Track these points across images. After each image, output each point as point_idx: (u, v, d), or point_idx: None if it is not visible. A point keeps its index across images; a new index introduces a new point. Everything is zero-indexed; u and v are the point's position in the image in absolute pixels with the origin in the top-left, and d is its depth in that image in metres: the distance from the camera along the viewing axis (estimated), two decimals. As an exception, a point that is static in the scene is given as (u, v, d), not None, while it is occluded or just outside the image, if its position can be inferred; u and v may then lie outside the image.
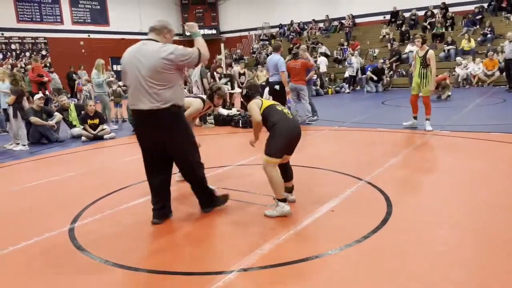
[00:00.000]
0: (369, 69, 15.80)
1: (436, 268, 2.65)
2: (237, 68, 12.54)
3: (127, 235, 3.47)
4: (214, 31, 26.66)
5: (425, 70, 7.11)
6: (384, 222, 3.38)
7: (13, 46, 19.24)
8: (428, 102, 7.22)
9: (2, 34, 18.78)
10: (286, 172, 3.92)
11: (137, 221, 3.78)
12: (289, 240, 3.17)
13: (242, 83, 12.21)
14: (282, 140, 3.59)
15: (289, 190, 3.98)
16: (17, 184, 5.28)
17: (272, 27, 24.59)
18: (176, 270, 2.80)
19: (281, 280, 2.62)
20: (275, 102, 3.91)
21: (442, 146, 6.13)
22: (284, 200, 3.66)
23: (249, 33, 25.34)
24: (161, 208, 3.68)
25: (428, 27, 18.07)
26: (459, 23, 17.67)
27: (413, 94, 7.43)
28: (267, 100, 3.94)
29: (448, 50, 16.01)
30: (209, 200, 3.85)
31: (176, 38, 26.08)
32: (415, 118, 7.50)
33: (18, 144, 7.77)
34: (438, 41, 17.15)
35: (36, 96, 8.67)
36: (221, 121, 9.38)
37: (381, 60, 15.76)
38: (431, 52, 7.13)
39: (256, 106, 3.77)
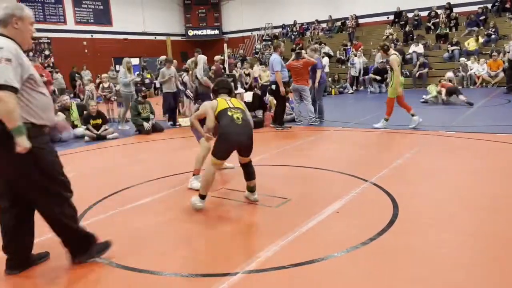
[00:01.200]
0: (371, 70, 15.75)
1: (439, 271, 2.61)
2: (257, 68, 12.65)
3: (130, 236, 3.44)
4: (216, 32, 26.68)
5: (391, 74, 7.48)
6: (390, 224, 3.34)
7: (16, 46, 19.27)
8: (391, 103, 7.50)
9: (6, 34, 18.81)
10: (247, 172, 4.01)
11: (140, 222, 3.75)
12: (294, 241, 3.13)
13: (247, 84, 12.21)
14: (224, 144, 3.82)
15: (251, 189, 4.03)
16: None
17: (275, 27, 24.57)
18: (180, 272, 2.77)
19: (286, 283, 2.59)
20: (231, 105, 3.94)
21: (447, 147, 6.07)
22: (203, 197, 3.84)
23: (251, 33, 25.33)
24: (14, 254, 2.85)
25: (432, 27, 18.01)
26: (462, 23, 17.60)
27: (394, 97, 7.54)
28: (227, 101, 3.99)
29: (452, 50, 15.93)
30: (83, 250, 2.94)
31: (179, 38, 26.24)
32: (413, 115, 7.55)
33: None
34: (442, 42, 17.09)
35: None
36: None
37: (379, 60, 15.65)
38: (393, 57, 7.33)
39: (210, 109, 3.93)
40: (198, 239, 3.34)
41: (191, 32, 26.55)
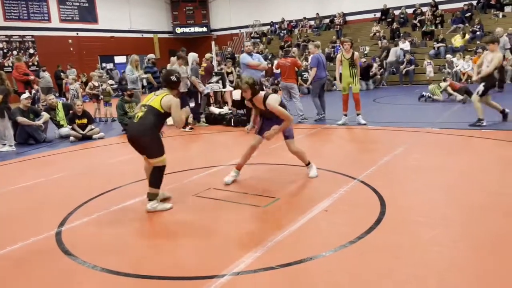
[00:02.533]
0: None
1: (431, 270, 2.61)
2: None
3: (116, 239, 3.38)
4: (204, 29, 26.51)
5: (354, 70, 7.75)
6: (378, 222, 3.34)
7: (0, 45, 18.90)
8: (359, 98, 7.84)
9: (-12, 32, 18.45)
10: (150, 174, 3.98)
11: (126, 224, 3.69)
12: (282, 241, 3.11)
13: (231, 82, 12.14)
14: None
15: (147, 196, 3.93)
16: (2, 186, 5.14)
17: (263, 24, 24.51)
18: (166, 275, 2.73)
19: (275, 284, 2.56)
20: (146, 102, 3.94)
21: (434, 144, 6.11)
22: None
23: (240, 30, 25.22)
24: None
25: (418, 24, 18.15)
26: (448, 20, 17.76)
27: (345, 94, 7.91)
28: (155, 97, 3.94)
29: (438, 47, 16.08)
30: None
31: (166, 36, 26.01)
32: (345, 115, 7.94)
33: (4, 144, 7.60)
34: (428, 39, 17.23)
35: (23, 96, 8.49)
36: (213, 119, 9.30)
37: (363, 59, 15.67)
38: (357, 53, 7.82)
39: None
40: (185, 240, 3.30)
41: (178, 30, 26.33)
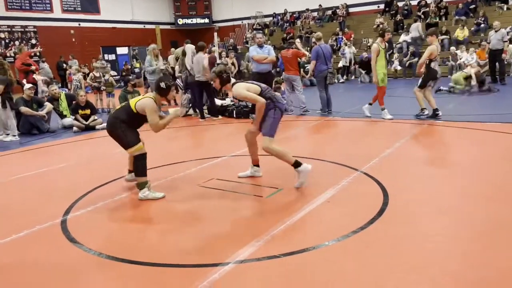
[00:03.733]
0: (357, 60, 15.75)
1: (433, 260, 2.63)
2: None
3: (120, 227, 3.42)
4: (207, 20, 26.40)
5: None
6: (380, 212, 3.36)
7: (1, 35, 18.87)
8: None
9: (-9, 22, 18.41)
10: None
11: (130, 213, 3.73)
12: (285, 231, 3.13)
13: (233, 73, 12.15)
14: None
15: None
16: (7, 176, 5.17)
17: (266, 16, 24.38)
18: (171, 262, 2.76)
19: (278, 272, 2.59)
20: (134, 99, 4.15)
21: (437, 136, 6.12)
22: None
23: (242, 22, 25.11)
24: None
25: (422, 16, 18.01)
26: (452, 12, 17.64)
27: (384, 85, 7.48)
28: (138, 97, 4.17)
29: (442, 40, 15.97)
30: None
31: (168, 27, 25.91)
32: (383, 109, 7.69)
33: (8, 134, 7.63)
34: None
35: (26, 86, 8.50)
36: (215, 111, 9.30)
37: (365, 54, 15.61)
38: (374, 45, 7.41)
39: None
40: (189, 229, 3.32)
41: (180, 21, 26.22)
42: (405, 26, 17.56)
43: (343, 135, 6.84)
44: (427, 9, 17.97)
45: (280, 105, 4.19)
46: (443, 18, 17.53)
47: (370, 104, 7.68)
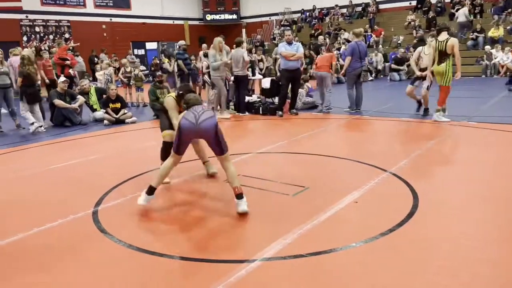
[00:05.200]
0: (392, 57, 15.44)
1: (465, 264, 2.57)
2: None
3: (149, 220, 3.49)
4: (234, 16, 26.43)
5: (453, 59, 6.85)
6: (410, 215, 3.30)
7: (37, 29, 19.49)
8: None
9: (27, 16, 19.03)
10: None
11: (159, 206, 3.79)
12: (312, 230, 3.12)
13: (261, 70, 12.12)
14: None
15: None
16: (41, 166, 5.36)
17: (294, 12, 24.22)
18: (199, 257, 2.80)
19: (304, 271, 2.59)
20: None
21: (470, 137, 5.94)
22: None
23: (270, 18, 25.03)
24: None
25: (456, 14, 17.48)
26: (487, 10, 17.03)
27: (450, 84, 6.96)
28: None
29: (476, 38, 15.47)
30: None
31: (197, 23, 26.11)
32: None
33: (32, 124, 7.79)
34: (465, 29, 16.60)
35: (60, 79, 8.76)
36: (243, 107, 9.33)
37: (402, 50, 15.32)
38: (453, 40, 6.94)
39: None
40: (215, 225, 3.36)
41: (209, 17, 26.37)
42: (437, 24, 17.06)
43: (371, 135, 6.74)
44: (461, 6, 17.41)
45: (183, 120, 3.62)
46: (478, 16, 16.96)
47: (439, 110, 7.07)
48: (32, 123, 7.71)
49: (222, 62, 8.32)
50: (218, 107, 8.80)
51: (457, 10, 17.46)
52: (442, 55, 6.76)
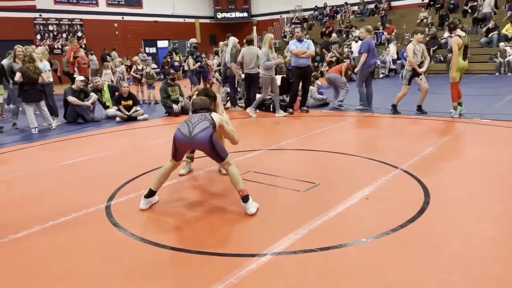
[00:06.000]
0: (404, 55, 15.27)
1: (475, 262, 2.56)
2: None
3: (160, 214, 3.53)
4: (245, 14, 26.46)
5: (451, 56, 7.38)
6: (421, 211, 3.29)
7: (50, 27, 19.75)
8: (452, 88, 7.05)
9: (41, 15, 19.30)
10: None
11: (170, 201, 3.84)
12: (322, 226, 3.13)
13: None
14: None
15: (192, 158, 4.19)
16: (55, 162, 5.45)
17: (305, 10, 24.15)
18: (210, 251, 2.83)
19: (314, 266, 2.60)
20: None
21: (483, 135, 5.88)
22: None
23: (281, 16, 25.00)
24: None
25: (469, 10, 17.26)
26: (502, 7, 16.77)
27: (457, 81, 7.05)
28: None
29: (491, 35, 15.25)
30: None
31: (207, 21, 26.20)
32: (459, 104, 7.28)
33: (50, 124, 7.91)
34: (479, 26, 16.38)
35: (78, 78, 8.87)
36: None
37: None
38: (453, 39, 6.99)
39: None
40: (227, 220, 3.38)
41: (219, 15, 26.44)
42: (450, 21, 16.86)
43: (382, 132, 6.70)
44: (475, 3, 17.18)
45: (177, 132, 3.60)
46: (493, 13, 16.69)
47: (456, 106, 7.12)
48: (34, 128, 7.61)
49: (276, 61, 8.03)
50: (248, 107, 8.76)
51: (470, 7, 17.23)
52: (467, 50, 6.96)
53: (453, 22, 7.34)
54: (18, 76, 7.50)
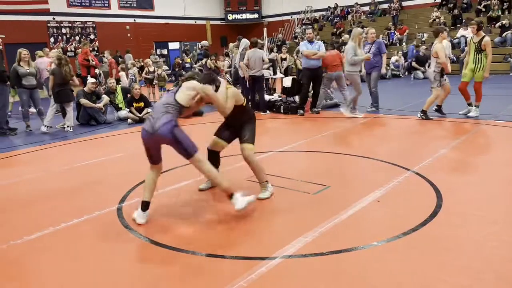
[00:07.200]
0: (412, 56, 15.17)
1: (488, 265, 2.52)
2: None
3: (172, 217, 3.55)
4: (256, 15, 26.46)
5: (480, 56, 6.99)
6: (433, 215, 3.25)
7: (63, 30, 20.02)
8: (480, 88, 7.10)
9: (54, 18, 19.57)
10: (218, 158, 4.07)
11: (181, 204, 3.86)
12: (333, 229, 3.11)
13: (286, 69, 12.12)
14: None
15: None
16: (67, 164, 5.52)
17: (316, 10, 24.07)
18: (221, 253, 2.83)
19: (325, 269, 2.59)
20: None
21: (497, 136, 5.79)
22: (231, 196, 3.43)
23: (291, 17, 24.95)
24: None
25: (483, 10, 17.02)
26: (517, 5, 16.51)
27: (464, 81, 7.19)
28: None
29: (506, 34, 15.01)
30: None
31: (218, 22, 26.29)
32: (469, 105, 7.25)
33: (65, 125, 8.09)
34: (493, 25, 16.13)
35: (90, 80, 8.98)
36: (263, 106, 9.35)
37: (424, 47, 14.99)
38: (487, 38, 7.02)
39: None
40: (236, 223, 3.39)
41: (230, 16, 26.50)
42: (463, 21, 16.66)
43: (394, 134, 6.64)
44: (489, 2, 16.94)
45: (142, 131, 3.56)
46: (506, 12, 16.45)
47: (476, 105, 7.16)
48: (45, 125, 7.94)
49: (364, 57, 7.68)
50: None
51: (484, 6, 16.99)
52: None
53: (481, 22, 7.34)
54: (51, 79, 7.98)
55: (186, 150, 3.34)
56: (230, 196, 3.37)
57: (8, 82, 7.96)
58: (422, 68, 14.41)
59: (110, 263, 2.81)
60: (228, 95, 3.72)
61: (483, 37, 6.98)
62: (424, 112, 7.15)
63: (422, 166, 4.47)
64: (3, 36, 8.28)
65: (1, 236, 3.26)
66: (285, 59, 12.22)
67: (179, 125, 3.36)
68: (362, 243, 2.85)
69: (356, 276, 2.51)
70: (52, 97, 8.23)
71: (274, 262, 2.67)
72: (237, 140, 3.98)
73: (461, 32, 15.67)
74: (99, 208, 3.76)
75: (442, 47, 6.93)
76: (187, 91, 3.50)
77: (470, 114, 7.11)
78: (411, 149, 5.41)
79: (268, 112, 8.92)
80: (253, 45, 8.74)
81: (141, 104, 8.75)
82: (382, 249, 2.79)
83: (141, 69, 13.39)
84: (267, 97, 9.42)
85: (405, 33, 17.92)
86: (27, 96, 8.17)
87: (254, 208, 3.65)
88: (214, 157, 3.97)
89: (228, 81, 11.10)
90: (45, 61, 10.83)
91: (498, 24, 15.60)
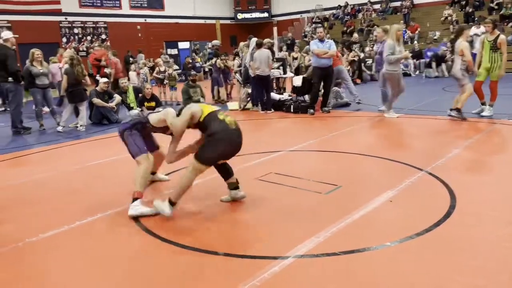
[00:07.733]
0: (428, 54, 15.00)
1: (503, 266, 2.49)
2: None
3: (184, 216, 3.57)
4: (266, 14, 26.44)
5: (495, 54, 6.93)
6: (447, 215, 3.22)
7: (75, 30, 20.23)
8: (496, 87, 7.04)
9: (66, 18, 19.79)
10: (226, 169, 3.80)
11: (192, 203, 3.87)
12: (345, 229, 3.11)
13: (297, 68, 12.10)
14: (226, 147, 3.50)
15: (235, 186, 3.77)
16: (79, 163, 5.58)
17: (325, 9, 23.96)
18: (233, 253, 2.85)
19: (337, 270, 2.59)
20: (215, 109, 3.66)
21: (511, 136, 5.71)
22: (173, 204, 3.47)
23: (301, 16, 24.87)
24: None
25: (496, 7, 16.78)
26: (531, 2, 16.23)
27: (479, 80, 7.06)
28: (208, 105, 3.74)
29: (518, 31, 14.80)
30: None
31: (228, 21, 26.32)
32: (483, 104, 7.18)
33: (77, 125, 8.21)
34: (506, 23, 15.90)
35: (102, 80, 9.06)
36: (272, 106, 9.35)
37: (444, 47, 14.83)
38: (502, 37, 6.95)
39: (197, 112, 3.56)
40: (248, 222, 3.40)
41: (240, 15, 26.52)
42: (476, 19, 16.45)
43: (406, 133, 6.59)
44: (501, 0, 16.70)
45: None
46: (521, 9, 16.20)
47: (490, 105, 7.08)
48: (59, 124, 8.06)
49: (403, 55, 7.21)
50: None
51: (497, 4, 16.76)
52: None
53: (496, 20, 7.29)
54: (64, 79, 8.09)
55: (130, 152, 3.90)
56: (133, 199, 3.57)
57: (22, 82, 8.07)
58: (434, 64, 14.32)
59: (125, 262, 2.84)
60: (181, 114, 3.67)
61: (498, 35, 6.91)
62: (458, 111, 6.79)
63: (435, 166, 4.43)
64: (17, 36, 8.33)
65: (17, 234, 3.32)
66: (296, 58, 12.20)
67: (135, 132, 3.85)
68: (374, 244, 2.84)
69: (368, 276, 2.50)
70: (65, 97, 8.33)
71: (287, 261, 2.67)
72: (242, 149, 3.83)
73: (473, 30, 15.44)
74: (113, 206, 3.80)
75: (467, 45, 6.81)
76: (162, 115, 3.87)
77: (483, 113, 7.03)
78: (424, 148, 5.36)
79: (272, 110, 8.92)
80: (258, 46, 8.82)
81: (153, 104, 8.81)
82: (395, 250, 2.78)
83: (152, 68, 13.47)
84: (277, 96, 9.42)
85: (417, 32, 17.75)
86: (41, 96, 8.28)
87: (266, 208, 3.66)
88: (221, 169, 3.84)
89: (238, 80, 11.11)
90: (58, 67, 10.96)
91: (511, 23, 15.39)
